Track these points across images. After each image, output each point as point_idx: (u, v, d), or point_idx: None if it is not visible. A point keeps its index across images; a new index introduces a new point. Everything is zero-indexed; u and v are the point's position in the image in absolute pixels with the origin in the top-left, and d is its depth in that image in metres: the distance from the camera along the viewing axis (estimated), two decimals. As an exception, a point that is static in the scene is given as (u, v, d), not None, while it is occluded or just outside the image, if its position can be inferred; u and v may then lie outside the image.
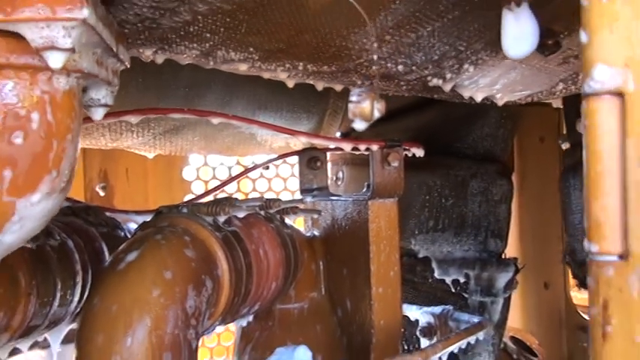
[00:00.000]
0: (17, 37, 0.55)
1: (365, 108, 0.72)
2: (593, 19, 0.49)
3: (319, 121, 1.86)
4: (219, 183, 1.65)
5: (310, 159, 1.70)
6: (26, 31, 0.54)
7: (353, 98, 0.74)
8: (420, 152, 1.59)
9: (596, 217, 0.48)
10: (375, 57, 0.90)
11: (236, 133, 1.75)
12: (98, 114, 0.68)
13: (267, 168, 2.32)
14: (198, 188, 2.35)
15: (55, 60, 0.55)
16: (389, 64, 0.91)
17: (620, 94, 0.49)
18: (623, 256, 0.47)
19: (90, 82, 0.65)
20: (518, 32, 0.66)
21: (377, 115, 0.74)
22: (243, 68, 0.82)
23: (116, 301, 1.06)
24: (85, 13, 0.54)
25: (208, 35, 0.76)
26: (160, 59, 0.83)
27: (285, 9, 0.73)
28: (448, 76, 0.98)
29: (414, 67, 0.92)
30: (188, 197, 2.10)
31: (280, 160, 2.03)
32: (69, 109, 0.61)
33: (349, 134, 1.94)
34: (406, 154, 1.58)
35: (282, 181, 2.48)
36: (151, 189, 2.27)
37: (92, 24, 0.56)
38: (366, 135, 1.54)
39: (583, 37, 0.50)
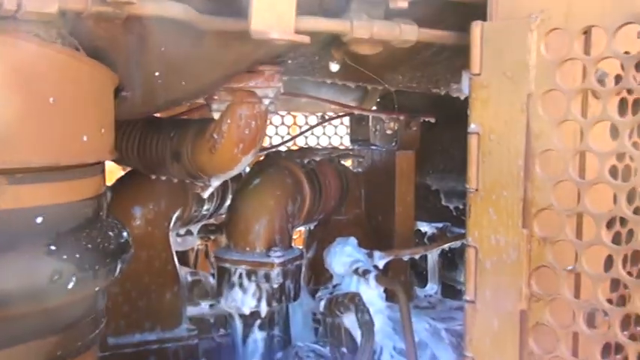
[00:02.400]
0: (251, 92, 1.37)
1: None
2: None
3: (365, 90, 2.64)
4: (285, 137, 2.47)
5: (358, 119, 2.51)
6: (257, 90, 1.35)
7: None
8: (432, 119, 2.37)
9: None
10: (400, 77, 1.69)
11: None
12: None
13: (325, 126, 3.13)
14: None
15: (266, 102, 1.36)
16: (411, 82, 1.71)
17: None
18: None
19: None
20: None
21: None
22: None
23: (250, 204, 1.90)
24: (279, 84, 1.36)
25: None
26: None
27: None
28: (442, 87, 1.77)
29: (422, 85, 1.73)
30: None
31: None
32: (264, 118, 1.44)
33: (384, 98, 2.71)
34: (424, 119, 2.37)
35: (327, 138, 3.31)
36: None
37: (279, 86, 1.38)
38: (401, 102, 2.29)
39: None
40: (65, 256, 0.92)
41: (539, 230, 1.14)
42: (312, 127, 2.62)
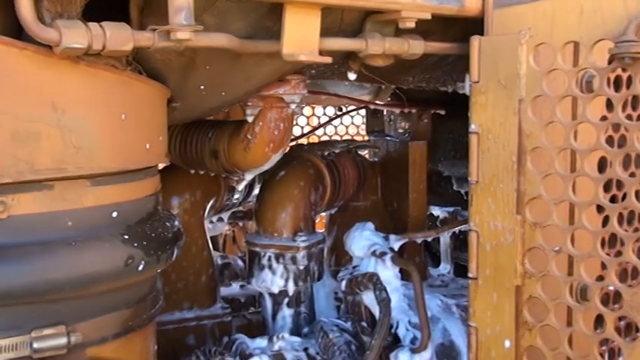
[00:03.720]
0: (280, 98, 1.57)
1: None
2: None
3: (379, 86, 2.82)
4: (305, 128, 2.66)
5: (374, 111, 2.70)
6: (285, 97, 1.55)
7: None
8: (442, 111, 2.55)
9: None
10: (411, 78, 1.88)
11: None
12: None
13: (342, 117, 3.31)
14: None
15: (293, 107, 1.56)
16: (420, 82, 1.90)
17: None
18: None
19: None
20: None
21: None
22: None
23: (277, 194, 2.10)
24: (304, 91, 1.55)
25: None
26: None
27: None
28: (449, 86, 1.95)
29: (431, 84, 1.91)
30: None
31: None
32: (291, 120, 1.63)
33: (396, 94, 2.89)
34: (434, 112, 2.55)
35: (345, 128, 3.49)
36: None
37: (305, 92, 1.57)
38: (412, 96, 2.47)
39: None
40: (136, 244, 1.13)
41: (531, 216, 1.33)
42: (330, 120, 2.83)
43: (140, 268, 1.14)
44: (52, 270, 1.02)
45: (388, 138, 2.63)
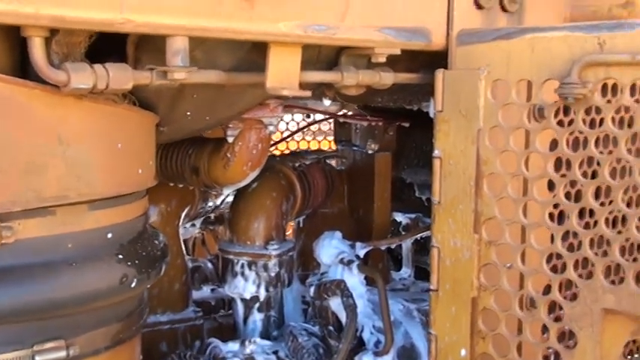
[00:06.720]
0: (259, 120, 1.68)
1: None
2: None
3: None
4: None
5: (342, 122, 2.82)
6: (264, 120, 1.66)
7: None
8: (407, 124, 2.70)
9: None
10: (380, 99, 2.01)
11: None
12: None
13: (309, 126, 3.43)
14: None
15: (270, 128, 1.67)
16: (387, 102, 2.03)
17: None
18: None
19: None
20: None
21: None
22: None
23: (250, 204, 2.21)
24: (282, 113, 1.66)
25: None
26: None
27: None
28: (414, 105, 2.09)
29: (398, 103, 2.05)
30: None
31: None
32: (268, 141, 1.74)
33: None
34: (399, 125, 2.69)
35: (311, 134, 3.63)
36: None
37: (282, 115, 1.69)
38: (379, 109, 2.60)
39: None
40: (129, 263, 1.23)
41: (486, 235, 1.47)
42: (300, 129, 2.96)
43: (133, 285, 1.24)
44: (55, 289, 1.11)
45: (355, 148, 2.76)
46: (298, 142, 3.62)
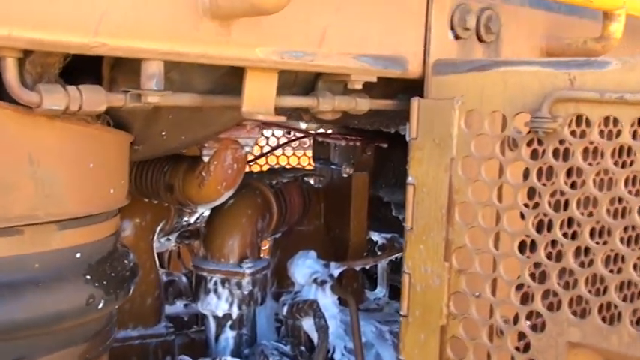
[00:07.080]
0: (235, 141, 1.68)
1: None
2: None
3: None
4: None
5: (321, 141, 2.83)
6: (241, 140, 1.66)
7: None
8: (385, 145, 2.72)
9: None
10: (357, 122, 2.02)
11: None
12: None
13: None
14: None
15: (247, 149, 1.68)
16: (365, 125, 2.04)
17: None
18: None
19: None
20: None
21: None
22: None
23: (226, 222, 2.21)
24: (258, 135, 1.67)
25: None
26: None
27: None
28: (391, 128, 2.11)
29: (375, 126, 2.06)
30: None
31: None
32: (244, 161, 1.75)
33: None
34: (377, 145, 2.71)
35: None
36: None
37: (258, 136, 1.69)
38: (355, 132, 2.63)
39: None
40: (97, 284, 1.22)
41: (457, 264, 1.48)
42: (279, 146, 2.97)
43: (100, 306, 1.23)
44: (19, 310, 1.10)
45: (333, 167, 2.78)
46: (278, 157, 3.63)
